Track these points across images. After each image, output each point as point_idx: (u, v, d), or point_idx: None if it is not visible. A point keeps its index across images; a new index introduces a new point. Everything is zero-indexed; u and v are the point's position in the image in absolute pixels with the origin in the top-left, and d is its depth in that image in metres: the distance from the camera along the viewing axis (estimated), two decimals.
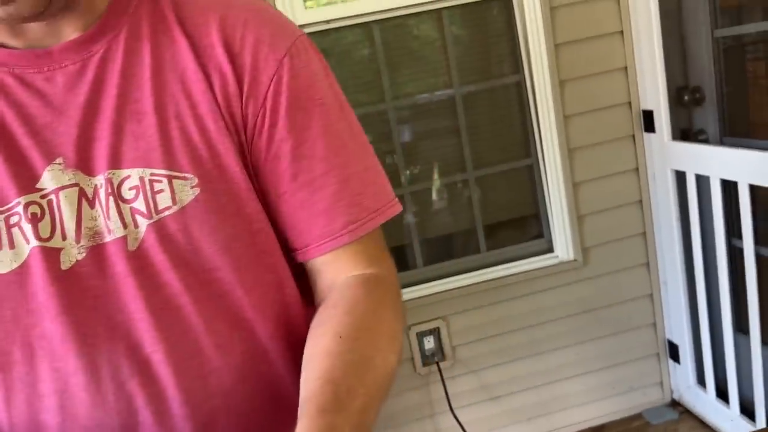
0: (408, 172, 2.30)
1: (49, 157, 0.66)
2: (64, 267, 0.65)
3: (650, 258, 2.38)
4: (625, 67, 2.23)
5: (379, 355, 0.68)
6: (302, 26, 2.04)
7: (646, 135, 2.26)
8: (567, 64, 2.19)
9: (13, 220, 0.65)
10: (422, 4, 2.14)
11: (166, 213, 0.67)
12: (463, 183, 2.34)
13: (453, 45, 2.23)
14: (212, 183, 0.68)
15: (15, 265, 0.65)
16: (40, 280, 0.65)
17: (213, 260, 0.69)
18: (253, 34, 0.70)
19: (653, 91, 2.17)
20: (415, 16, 2.19)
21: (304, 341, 0.72)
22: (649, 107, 2.21)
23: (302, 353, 0.72)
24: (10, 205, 0.65)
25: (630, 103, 2.26)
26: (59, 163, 0.66)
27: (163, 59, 0.69)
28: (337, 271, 0.75)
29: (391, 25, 2.19)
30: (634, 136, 2.28)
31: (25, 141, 0.66)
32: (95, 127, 0.67)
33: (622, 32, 2.21)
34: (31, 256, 0.65)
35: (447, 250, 2.41)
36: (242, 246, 0.71)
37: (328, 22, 2.09)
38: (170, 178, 0.67)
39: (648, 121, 2.22)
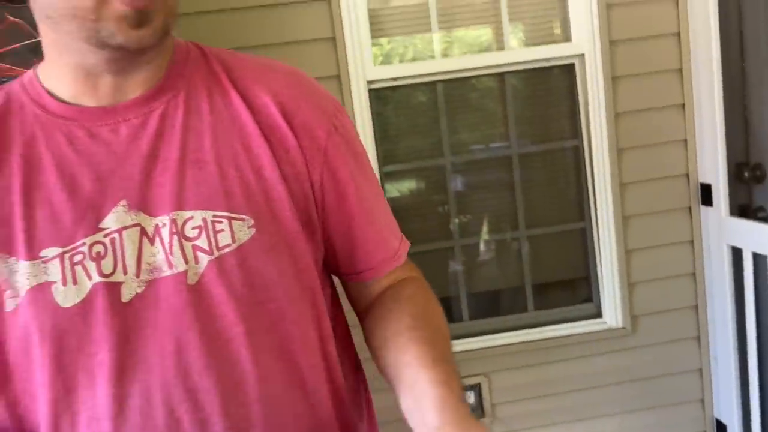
0: (458, 222, 2.34)
1: (113, 200, 0.73)
2: (124, 300, 0.72)
3: (701, 332, 2.34)
4: (685, 140, 2.24)
5: (445, 330, 0.83)
6: (370, 82, 2.15)
7: (703, 208, 2.25)
8: (626, 133, 2.22)
9: (77, 258, 0.71)
10: (486, 67, 2.22)
11: (226, 250, 0.74)
12: (514, 240, 2.37)
13: (513, 105, 2.29)
14: (266, 224, 0.76)
15: (78, 300, 0.71)
16: (101, 313, 0.71)
17: (265, 293, 0.76)
18: (303, 95, 0.82)
19: (712, 165, 2.17)
20: (478, 77, 2.27)
21: (339, 373, 0.85)
22: (707, 181, 2.20)
23: (337, 385, 0.85)
24: (75, 245, 0.72)
25: (688, 175, 2.26)
26: (123, 205, 0.73)
27: (221, 116, 0.78)
28: (389, 281, 0.90)
29: (454, 84, 2.27)
30: (690, 209, 2.27)
31: (91, 185, 0.73)
32: (156, 173, 0.74)
33: (683, 105, 2.23)
34: (93, 291, 0.71)
35: (494, 305, 2.42)
36: (290, 281, 0.79)
37: (395, 79, 2.19)
38: (230, 219, 0.74)
39: (706, 194, 2.22)
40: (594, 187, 2.27)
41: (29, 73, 0.79)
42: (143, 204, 0.73)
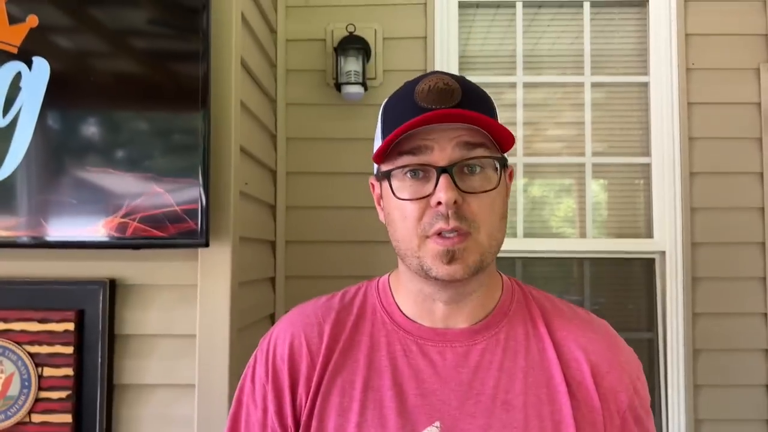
0: None
1: (430, 419, 0.80)
2: None
3: None
4: (766, 349, 2.20)
5: None
6: None
7: None
8: (704, 335, 2.21)
9: None
10: (567, 251, 2.30)
11: None
12: None
13: (590, 290, 2.33)
14: None
15: None
16: None
17: None
18: (614, 358, 0.86)
19: None
20: (557, 260, 2.35)
21: None
22: None
23: None
24: None
25: (767, 387, 2.19)
26: (437, 427, 0.80)
27: (534, 362, 0.84)
28: None
29: (533, 262, 2.35)
30: None
31: (414, 399, 0.82)
32: (469, 404, 0.81)
33: (765, 314, 2.21)
34: None
35: None
36: None
37: None
38: None
39: None
40: (666, 384, 2.23)
41: (384, 279, 0.93)
42: (453, 430, 0.80)
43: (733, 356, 2.21)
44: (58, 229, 1.43)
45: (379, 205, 0.89)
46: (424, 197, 0.79)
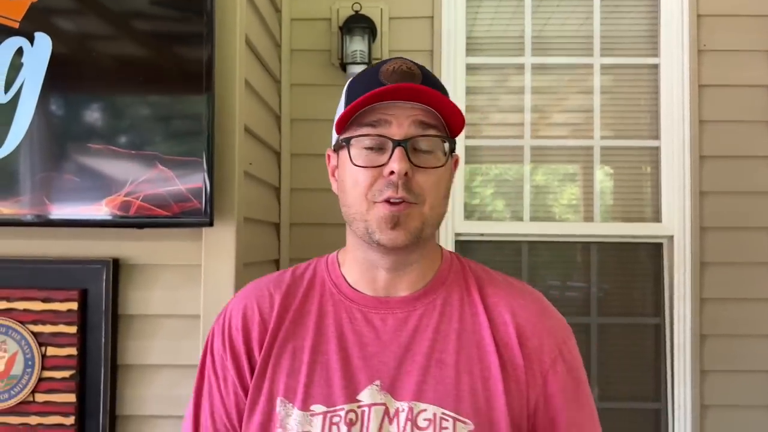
0: None
1: (371, 379, 0.88)
2: None
3: None
4: None
5: None
6: (458, 234, 2.25)
7: None
8: (710, 320, 2.19)
9: (335, 419, 0.87)
10: (574, 235, 2.28)
11: None
12: None
13: (597, 275, 2.31)
14: (484, 431, 0.87)
15: None
16: None
17: None
18: (540, 321, 0.93)
19: None
20: (564, 243, 2.33)
21: None
22: None
23: None
24: (335, 408, 0.87)
25: None
26: (377, 385, 0.88)
27: (466, 324, 0.92)
28: None
29: (540, 246, 2.33)
30: None
31: (358, 361, 0.89)
32: (407, 364, 0.89)
33: None
34: None
35: None
36: None
37: (482, 234, 2.28)
38: (455, 420, 0.86)
39: None
40: (673, 370, 2.22)
41: (333, 255, 1.00)
42: (391, 388, 0.88)
43: (740, 342, 2.20)
44: (61, 208, 1.41)
45: (333, 176, 0.97)
46: (378, 166, 0.87)
